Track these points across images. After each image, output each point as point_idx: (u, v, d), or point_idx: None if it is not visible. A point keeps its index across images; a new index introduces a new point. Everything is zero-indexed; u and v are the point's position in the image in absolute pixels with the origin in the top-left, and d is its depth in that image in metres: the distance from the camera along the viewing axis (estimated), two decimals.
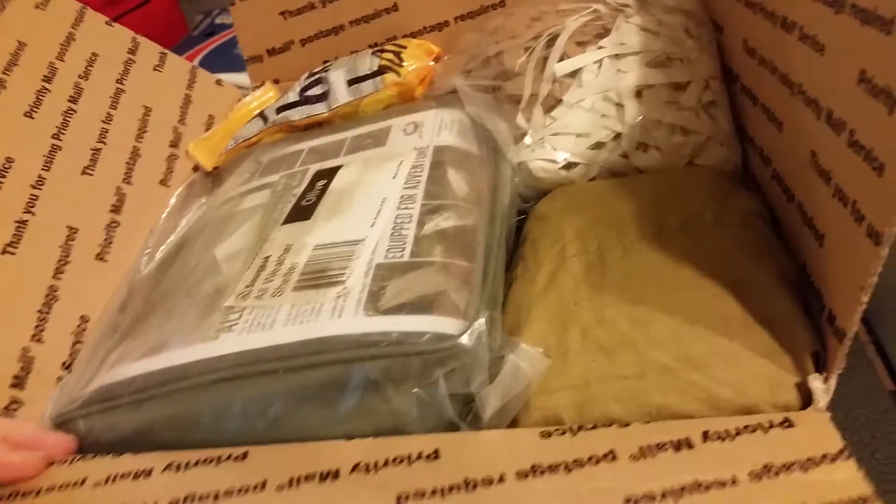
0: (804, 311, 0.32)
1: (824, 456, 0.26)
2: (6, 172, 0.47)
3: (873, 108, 0.26)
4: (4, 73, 0.51)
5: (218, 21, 1.19)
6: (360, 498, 0.30)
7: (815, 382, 0.29)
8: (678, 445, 0.28)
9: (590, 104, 0.45)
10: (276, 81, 0.67)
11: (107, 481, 0.34)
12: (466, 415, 0.33)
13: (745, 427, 0.28)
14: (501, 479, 0.28)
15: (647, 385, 0.31)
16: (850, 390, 0.42)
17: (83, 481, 0.34)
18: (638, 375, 0.31)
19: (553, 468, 0.28)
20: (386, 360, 0.32)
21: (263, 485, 0.31)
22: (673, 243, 0.36)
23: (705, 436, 0.28)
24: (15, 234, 0.45)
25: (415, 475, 0.30)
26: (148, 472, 0.34)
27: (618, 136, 0.44)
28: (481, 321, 0.33)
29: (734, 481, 0.26)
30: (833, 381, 0.29)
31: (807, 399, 0.29)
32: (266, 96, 0.66)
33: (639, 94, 0.45)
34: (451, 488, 0.29)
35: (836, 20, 0.30)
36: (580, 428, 0.30)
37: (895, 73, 0.25)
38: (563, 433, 0.30)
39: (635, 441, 0.29)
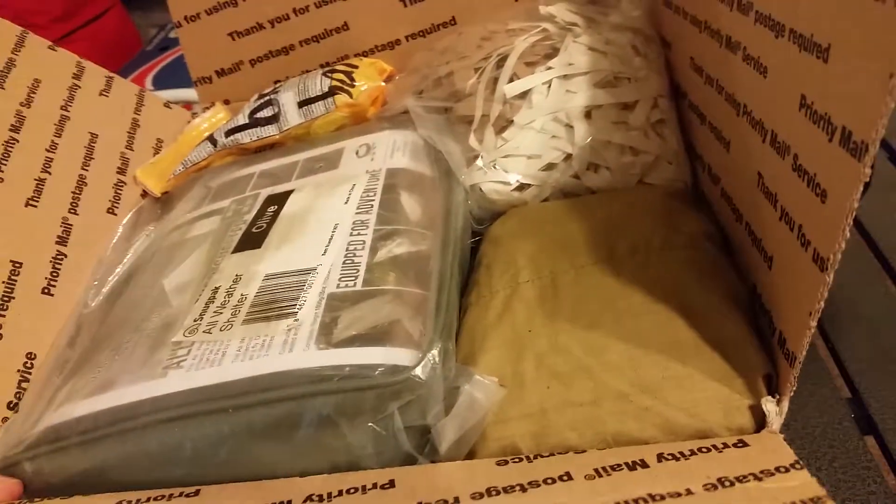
0: (755, 331, 0.33)
1: (778, 468, 0.27)
2: None
3: (814, 134, 0.27)
4: None
5: (172, 35, 1.18)
6: None
7: (769, 405, 0.29)
8: (633, 466, 0.28)
9: (540, 125, 0.45)
10: (227, 102, 0.66)
11: None
12: (423, 447, 0.32)
13: (700, 449, 0.29)
14: (456, 500, 0.28)
15: (603, 412, 0.30)
16: (807, 399, 0.42)
17: None
18: (593, 402, 0.31)
19: (508, 489, 0.28)
20: (339, 395, 0.32)
21: None
22: (624, 268, 0.36)
23: (659, 457, 0.29)
24: None
25: (368, 501, 0.29)
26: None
27: (569, 156, 0.44)
28: (434, 352, 0.32)
29: (689, 492, 0.26)
30: (786, 404, 0.29)
31: (760, 422, 0.30)
32: (216, 117, 0.65)
33: (588, 114, 0.45)
34: None
35: (776, 44, 0.30)
36: (536, 456, 0.30)
37: (834, 102, 0.25)
38: (520, 461, 0.30)
39: (590, 464, 0.29)
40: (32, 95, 0.55)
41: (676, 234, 0.37)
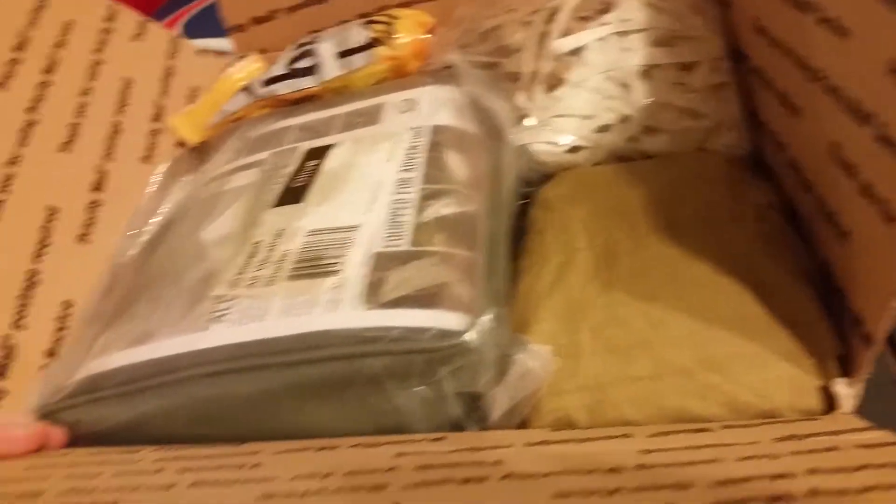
0: (825, 309, 0.31)
1: (853, 429, 0.26)
2: None
3: None
4: None
5: None
6: (358, 459, 0.28)
7: (840, 387, 0.28)
8: (696, 430, 0.27)
9: (594, 84, 0.43)
10: (263, 51, 0.64)
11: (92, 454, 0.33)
12: (473, 415, 0.31)
13: (767, 421, 0.28)
14: (509, 446, 0.27)
15: (664, 387, 0.29)
16: None
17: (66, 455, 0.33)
18: (654, 377, 0.30)
19: (563, 442, 0.28)
20: (387, 357, 0.31)
21: (257, 453, 0.30)
22: (687, 237, 0.34)
23: (725, 427, 0.28)
24: None
25: (417, 446, 0.29)
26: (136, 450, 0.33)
27: (625, 118, 0.43)
28: (488, 317, 0.31)
29: (755, 443, 0.25)
30: (859, 387, 0.28)
31: (830, 405, 0.29)
32: (252, 67, 0.63)
33: (645, 74, 0.43)
34: (453, 451, 0.27)
35: (861, 3, 0.28)
36: (593, 428, 0.29)
37: None
38: (576, 429, 0.30)
39: (652, 430, 0.28)
40: (64, 38, 0.54)
41: (743, 204, 0.35)
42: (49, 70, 0.51)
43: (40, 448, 0.33)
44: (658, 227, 0.35)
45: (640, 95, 0.42)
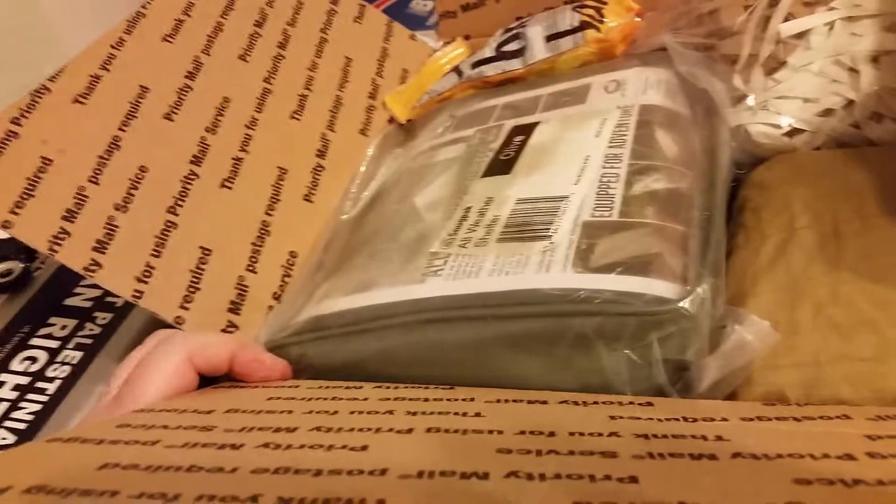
0: None
1: None
2: (224, 111, 0.50)
3: None
4: (223, 17, 0.54)
5: None
6: (573, 415, 0.28)
7: None
8: None
9: (818, 68, 0.42)
10: (467, 37, 0.67)
11: (320, 387, 0.35)
12: (677, 383, 0.31)
13: None
14: (724, 419, 0.27)
15: (886, 370, 0.28)
16: None
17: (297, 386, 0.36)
18: (876, 359, 0.29)
19: (780, 419, 0.27)
20: (600, 317, 0.31)
21: (472, 400, 0.31)
22: None
23: None
24: (231, 170, 0.48)
25: (626, 410, 0.29)
26: (359, 386, 0.35)
27: (849, 103, 0.41)
28: (705, 287, 0.31)
29: None
30: None
31: None
32: (456, 52, 0.66)
33: (875, 59, 0.41)
34: (668, 419, 0.27)
35: None
36: (807, 404, 0.29)
37: None
38: (790, 405, 0.29)
39: (871, 412, 0.27)
40: (296, 16, 0.59)
41: None
42: (282, 45, 0.57)
43: (274, 377, 0.37)
44: (887, 211, 0.34)
45: (869, 81, 0.40)
